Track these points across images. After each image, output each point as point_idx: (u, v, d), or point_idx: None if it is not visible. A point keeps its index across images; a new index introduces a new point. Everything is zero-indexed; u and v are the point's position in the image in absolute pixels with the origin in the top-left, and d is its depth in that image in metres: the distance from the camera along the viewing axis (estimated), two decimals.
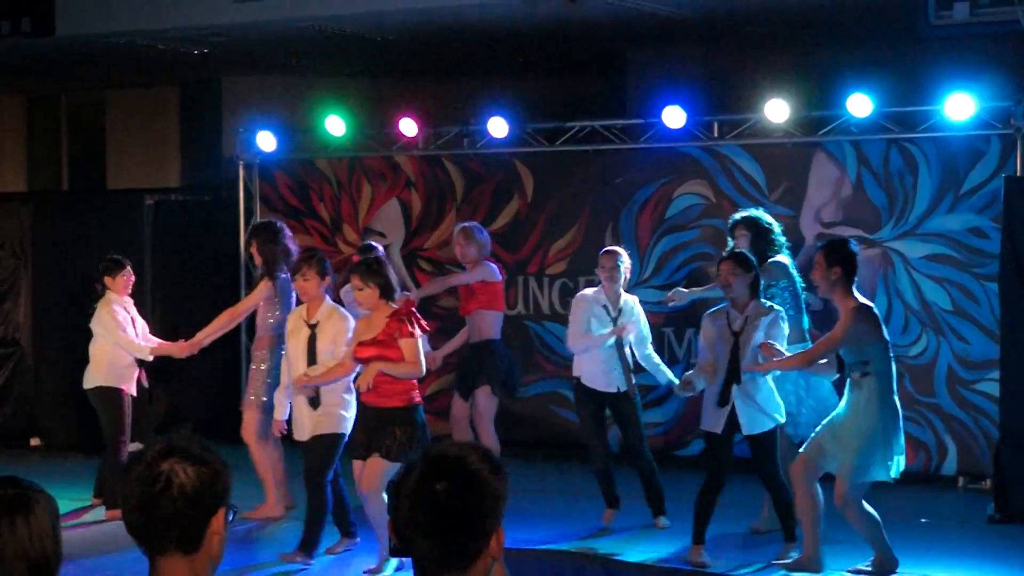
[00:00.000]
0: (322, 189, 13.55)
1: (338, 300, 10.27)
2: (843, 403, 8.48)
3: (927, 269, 11.37)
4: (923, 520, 10.28)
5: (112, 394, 10.55)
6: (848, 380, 8.47)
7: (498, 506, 3.01)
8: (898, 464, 8.40)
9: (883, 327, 8.48)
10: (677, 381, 9.46)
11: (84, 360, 10.70)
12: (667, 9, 11.58)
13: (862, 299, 8.51)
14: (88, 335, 10.72)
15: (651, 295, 12.27)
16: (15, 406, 13.99)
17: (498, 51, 14.20)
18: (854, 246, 8.73)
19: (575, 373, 9.98)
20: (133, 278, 10.84)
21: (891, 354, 8.46)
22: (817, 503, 8.46)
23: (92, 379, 10.59)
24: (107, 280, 10.70)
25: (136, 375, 10.70)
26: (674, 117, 11.77)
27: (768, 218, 9.92)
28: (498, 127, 12.46)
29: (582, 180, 12.64)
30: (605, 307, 9.78)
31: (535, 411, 12.71)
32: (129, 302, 10.82)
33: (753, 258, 9.04)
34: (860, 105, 11.12)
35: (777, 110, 11.42)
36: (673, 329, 12.22)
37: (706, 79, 13.70)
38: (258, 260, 10.65)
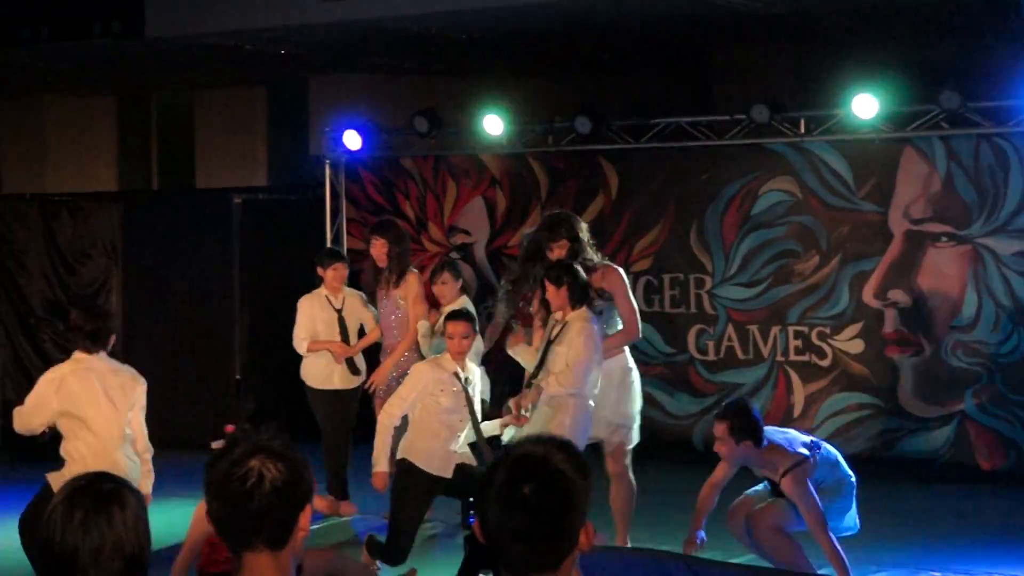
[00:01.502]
0: (407, 187, 13.56)
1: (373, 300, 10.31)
2: None
3: (1018, 266, 11.17)
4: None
5: (315, 394, 10.61)
6: None
7: (585, 503, 2.98)
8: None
9: None
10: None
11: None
12: (754, 5, 11.47)
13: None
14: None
15: (736, 292, 12.19)
16: None
17: (583, 49, 14.14)
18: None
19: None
20: (345, 272, 10.65)
21: None
22: None
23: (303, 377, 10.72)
24: (318, 271, 10.63)
25: (335, 373, 10.62)
26: (760, 113, 11.65)
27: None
28: (583, 124, 12.40)
29: (667, 177, 12.55)
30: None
31: None
32: (351, 293, 10.73)
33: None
34: (950, 100, 10.94)
35: (865, 106, 11.26)
36: (758, 327, 12.10)
37: (793, 75, 13.56)
38: (382, 257, 10.35)
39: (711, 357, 12.29)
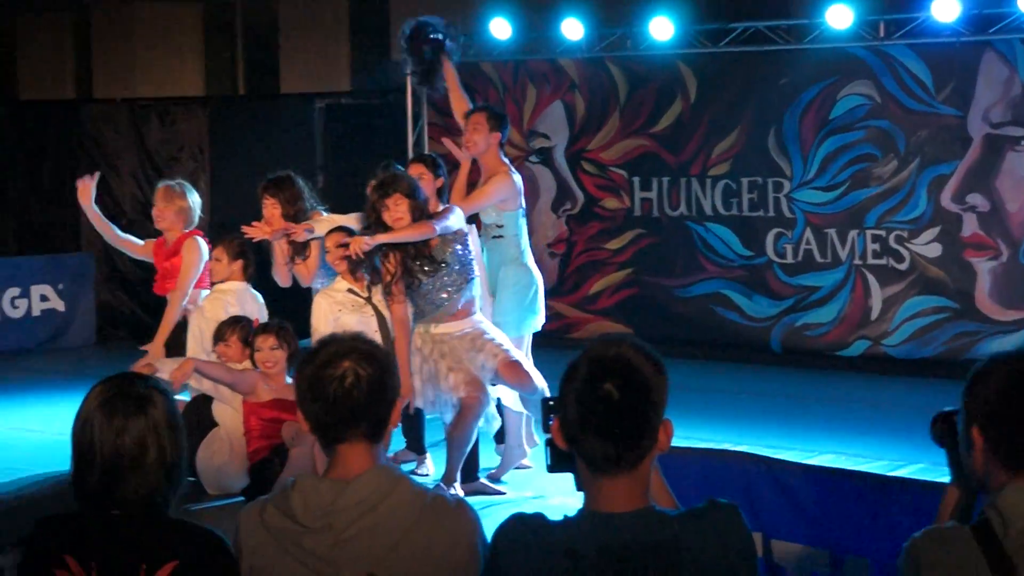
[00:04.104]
0: (487, 92, 13.45)
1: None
2: None
3: None
4: None
5: None
6: None
7: (662, 399, 3.00)
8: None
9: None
10: None
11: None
12: None
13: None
14: None
15: (814, 196, 12.03)
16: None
17: None
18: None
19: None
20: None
21: None
22: None
23: None
24: None
25: None
26: (840, 17, 11.42)
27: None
28: (662, 29, 12.22)
29: (745, 81, 12.36)
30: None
31: (697, 310, 12.57)
32: None
33: None
34: None
35: (946, 8, 11.00)
36: (836, 231, 11.94)
37: None
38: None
39: (789, 260, 12.16)
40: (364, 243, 7.74)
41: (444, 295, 7.94)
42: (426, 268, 7.89)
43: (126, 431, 3.17)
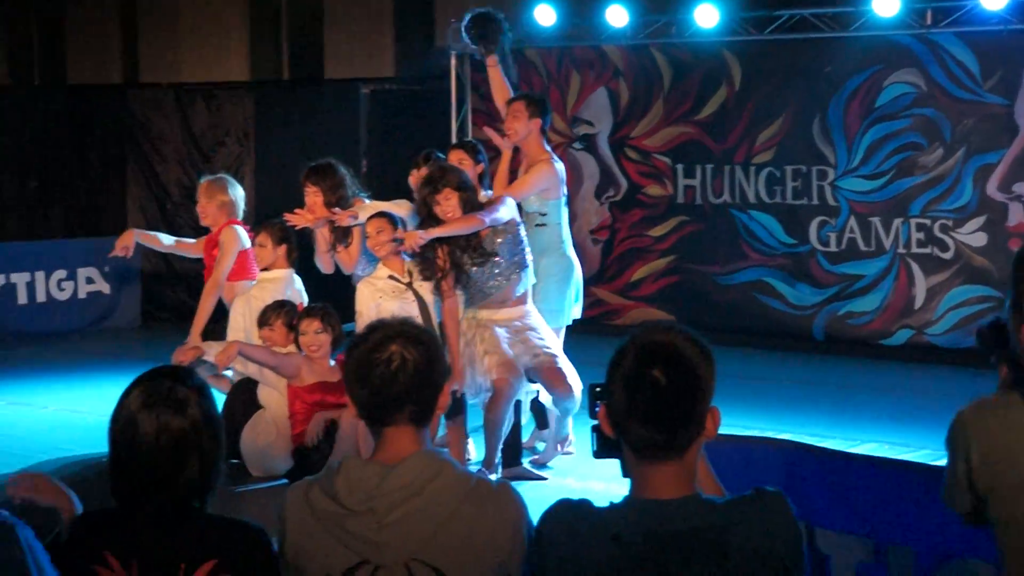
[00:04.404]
0: (531, 79, 13.44)
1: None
2: None
3: None
4: None
5: None
6: None
7: (710, 388, 2.99)
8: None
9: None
10: None
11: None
12: None
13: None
14: None
15: (859, 184, 11.98)
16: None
17: None
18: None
19: None
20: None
21: None
22: None
23: None
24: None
25: None
26: (887, 5, 11.35)
27: None
28: (707, 16, 12.18)
29: (790, 69, 12.30)
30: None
31: (740, 297, 12.54)
32: None
33: None
34: None
35: None
36: (880, 219, 11.89)
37: None
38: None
39: (832, 248, 12.11)
40: (418, 238, 7.74)
41: (494, 283, 7.95)
42: (475, 259, 7.90)
43: (165, 431, 3.15)
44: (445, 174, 7.88)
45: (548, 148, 8.61)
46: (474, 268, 7.89)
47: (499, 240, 7.91)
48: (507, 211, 7.94)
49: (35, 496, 3.27)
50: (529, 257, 8.11)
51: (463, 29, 9.66)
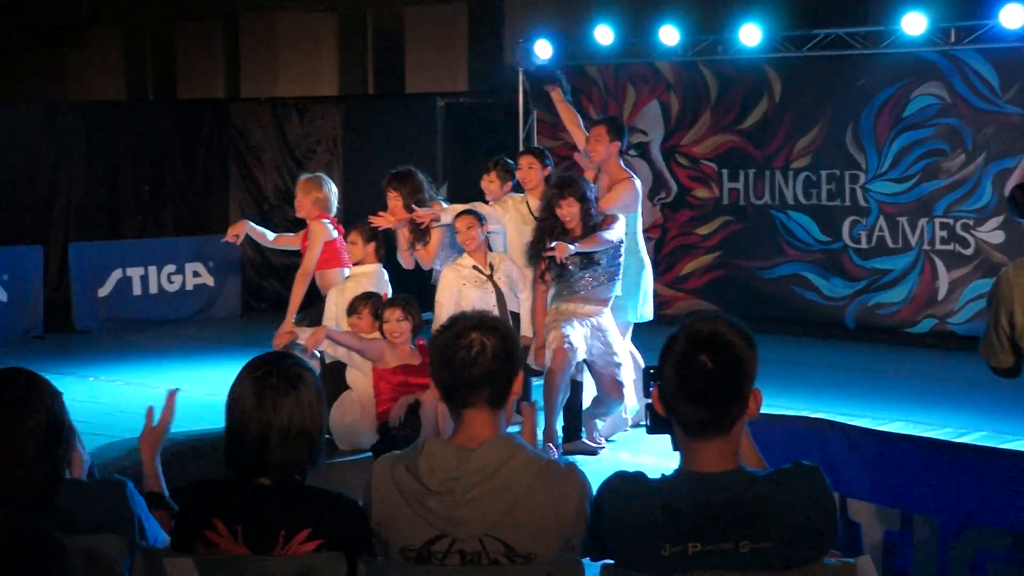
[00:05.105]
0: (591, 92, 13.43)
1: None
2: None
3: None
4: None
5: None
6: None
7: (752, 371, 3.00)
8: None
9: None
10: None
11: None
12: None
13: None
14: None
15: (887, 187, 11.88)
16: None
17: None
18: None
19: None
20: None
21: None
22: None
23: None
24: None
25: None
26: (914, 24, 11.24)
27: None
28: (750, 35, 12.12)
29: (826, 83, 12.21)
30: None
31: (779, 290, 12.47)
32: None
33: None
34: None
35: (1012, 16, 10.78)
36: (907, 219, 11.78)
37: None
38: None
39: (863, 245, 12.02)
40: (566, 249, 7.79)
41: (584, 282, 8.00)
42: (581, 261, 7.97)
43: (277, 407, 3.17)
44: (572, 184, 8.00)
45: (626, 168, 8.63)
46: (576, 267, 7.95)
47: (602, 250, 7.98)
48: (619, 229, 8.06)
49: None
50: (621, 271, 8.13)
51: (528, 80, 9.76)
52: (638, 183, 8.57)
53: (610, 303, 8.11)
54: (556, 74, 9.46)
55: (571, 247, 7.79)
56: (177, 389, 3.91)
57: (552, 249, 7.81)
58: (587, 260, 7.96)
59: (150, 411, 3.77)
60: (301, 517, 3.16)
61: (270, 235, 9.65)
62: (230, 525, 3.16)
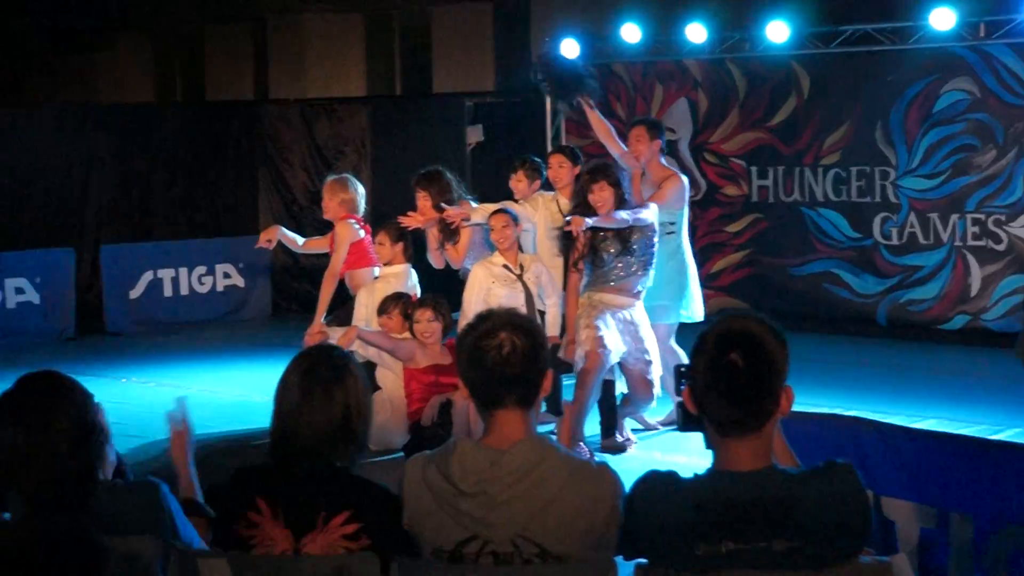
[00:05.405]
0: (619, 91, 13.41)
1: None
2: None
3: None
4: None
5: None
6: None
7: (784, 368, 2.98)
8: None
9: None
10: None
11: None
12: None
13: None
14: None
15: (918, 183, 11.81)
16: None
17: None
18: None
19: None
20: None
21: None
22: None
23: None
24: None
25: None
26: (943, 19, 11.17)
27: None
28: (778, 32, 12.07)
29: (854, 79, 12.15)
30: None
31: (809, 287, 12.42)
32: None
33: None
34: None
35: None
36: (938, 215, 11.71)
37: None
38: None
39: (894, 242, 11.95)
40: (582, 222, 7.74)
41: (619, 272, 7.94)
42: (612, 249, 7.91)
43: (324, 397, 3.24)
44: (605, 169, 7.99)
45: (668, 165, 8.62)
46: (610, 254, 7.90)
47: (636, 237, 7.93)
48: (650, 215, 7.99)
49: None
50: (654, 260, 8.09)
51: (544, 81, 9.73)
52: (685, 180, 8.58)
53: (642, 295, 8.07)
54: (582, 75, 9.38)
55: (588, 220, 7.73)
56: (185, 397, 3.94)
57: (569, 224, 7.79)
58: (621, 247, 7.89)
59: (171, 416, 3.80)
60: (340, 502, 3.21)
61: (300, 240, 9.66)
62: (272, 506, 3.22)
